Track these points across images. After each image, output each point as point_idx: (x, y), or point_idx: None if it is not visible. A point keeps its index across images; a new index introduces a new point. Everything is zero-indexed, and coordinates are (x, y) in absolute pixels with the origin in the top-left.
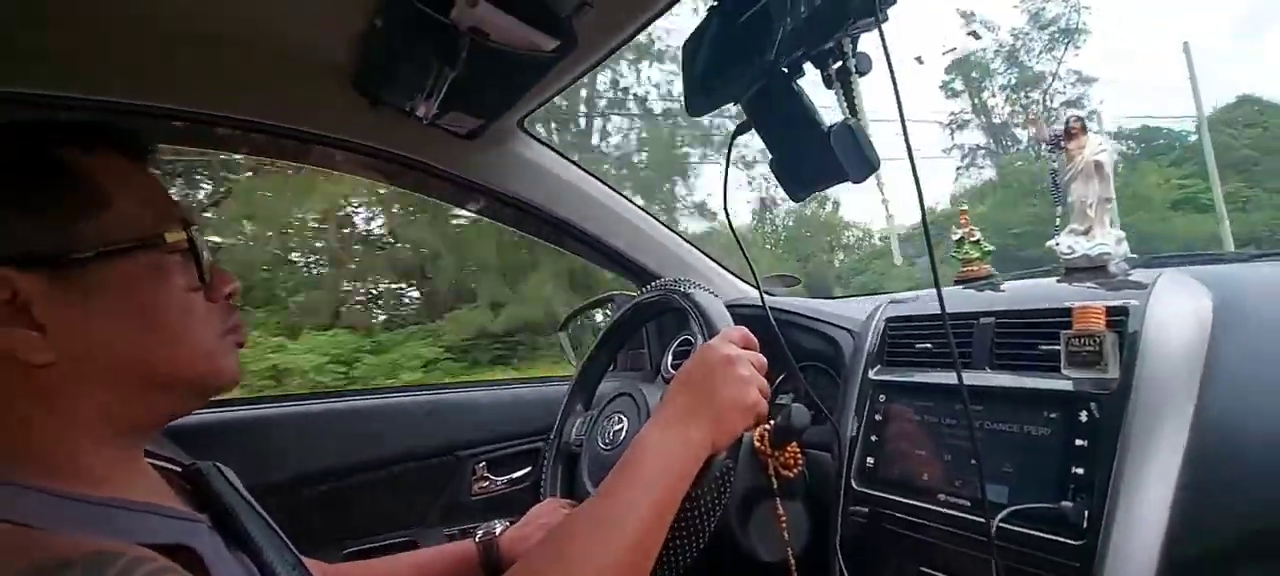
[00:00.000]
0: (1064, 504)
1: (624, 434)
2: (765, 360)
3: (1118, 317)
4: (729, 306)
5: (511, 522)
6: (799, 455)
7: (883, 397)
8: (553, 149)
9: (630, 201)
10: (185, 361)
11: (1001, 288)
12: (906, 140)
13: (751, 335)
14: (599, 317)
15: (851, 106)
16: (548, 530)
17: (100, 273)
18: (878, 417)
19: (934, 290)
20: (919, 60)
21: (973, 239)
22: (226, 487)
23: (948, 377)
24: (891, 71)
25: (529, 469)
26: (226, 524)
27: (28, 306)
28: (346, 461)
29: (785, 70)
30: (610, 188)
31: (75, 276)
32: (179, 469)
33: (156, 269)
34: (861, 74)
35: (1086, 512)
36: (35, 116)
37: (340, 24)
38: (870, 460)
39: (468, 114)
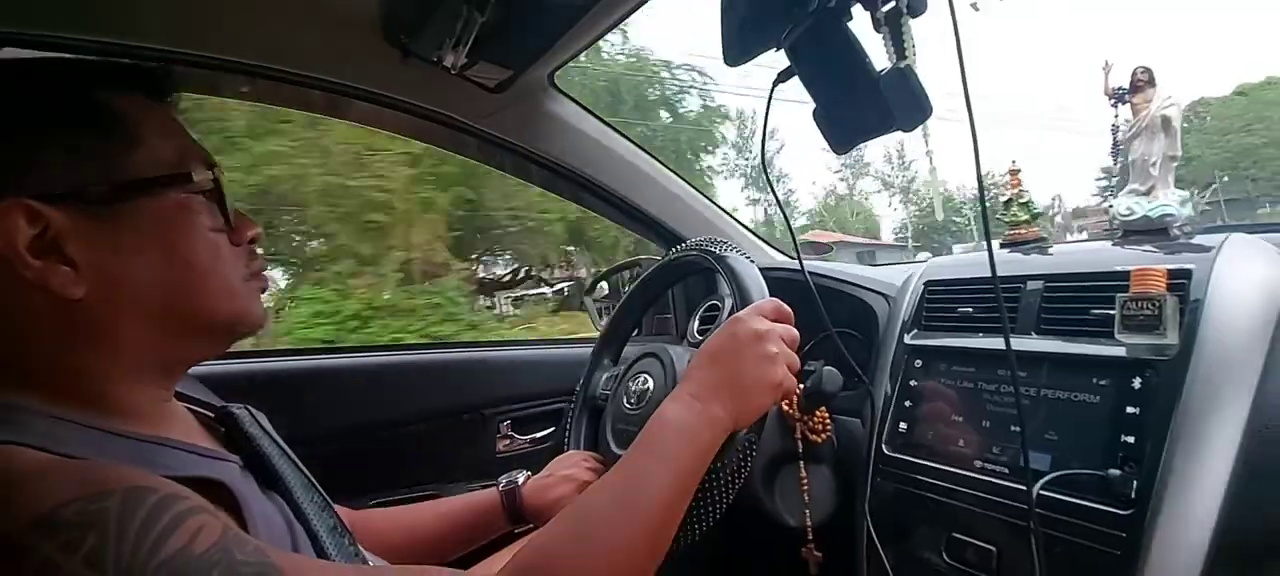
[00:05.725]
0: (1111, 471)
1: (649, 394)
2: (797, 334)
3: (1179, 281)
4: (764, 271)
5: (533, 473)
6: (828, 420)
7: (918, 362)
8: (583, 107)
9: (661, 164)
10: (213, 301)
11: (1050, 251)
12: (965, 89)
13: (785, 306)
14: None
15: (901, 50)
16: (568, 504)
17: (130, 209)
18: (913, 382)
19: (974, 253)
20: (974, 6)
21: (1022, 200)
22: (258, 431)
23: (988, 342)
24: (953, 12)
25: (552, 428)
26: (258, 465)
27: (59, 242)
28: (371, 416)
29: (831, 11)
30: (641, 148)
31: (105, 213)
32: (211, 411)
33: (183, 208)
34: (914, 15)
35: (1135, 482)
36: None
37: None
38: (903, 425)
39: (497, 64)
